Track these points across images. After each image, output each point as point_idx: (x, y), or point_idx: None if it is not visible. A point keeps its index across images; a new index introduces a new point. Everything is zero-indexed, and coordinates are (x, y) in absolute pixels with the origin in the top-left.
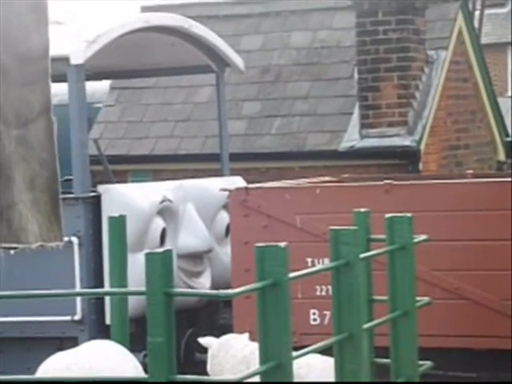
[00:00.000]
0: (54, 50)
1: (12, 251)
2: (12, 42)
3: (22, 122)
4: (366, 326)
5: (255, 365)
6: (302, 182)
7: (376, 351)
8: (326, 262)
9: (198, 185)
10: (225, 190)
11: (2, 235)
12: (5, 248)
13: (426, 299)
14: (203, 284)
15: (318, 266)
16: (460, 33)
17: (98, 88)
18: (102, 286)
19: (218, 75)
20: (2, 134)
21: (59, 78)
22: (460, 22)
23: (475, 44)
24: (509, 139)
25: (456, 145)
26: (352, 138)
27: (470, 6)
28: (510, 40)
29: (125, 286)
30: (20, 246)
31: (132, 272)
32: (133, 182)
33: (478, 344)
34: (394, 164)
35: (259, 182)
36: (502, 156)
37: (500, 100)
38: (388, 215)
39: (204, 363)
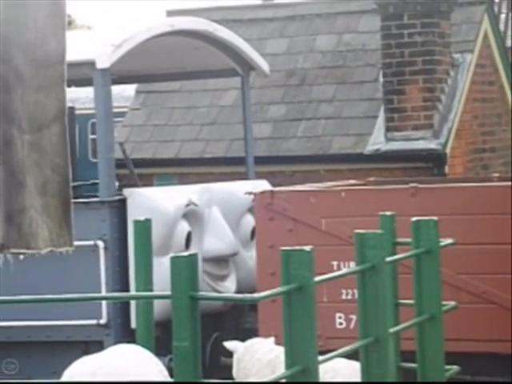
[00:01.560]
0: (80, 55)
1: (21, 256)
2: (28, 47)
3: (35, 127)
4: (392, 330)
5: (281, 369)
6: (328, 185)
7: (402, 355)
8: (352, 266)
9: (224, 188)
10: (250, 193)
11: (12, 240)
12: (14, 253)
13: (452, 303)
14: (228, 288)
15: (344, 270)
16: (486, 36)
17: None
18: (127, 289)
19: (243, 79)
20: (15, 140)
21: (85, 83)
22: (486, 24)
23: (501, 47)
24: None
25: (482, 148)
26: (377, 141)
27: (496, 9)
28: None
29: (150, 289)
30: (29, 251)
31: (157, 276)
32: (158, 185)
33: (505, 348)
34: (419, 167)
35: (284, 185)
36: None
37: None
38: (414, 219)
39: (229, 367)
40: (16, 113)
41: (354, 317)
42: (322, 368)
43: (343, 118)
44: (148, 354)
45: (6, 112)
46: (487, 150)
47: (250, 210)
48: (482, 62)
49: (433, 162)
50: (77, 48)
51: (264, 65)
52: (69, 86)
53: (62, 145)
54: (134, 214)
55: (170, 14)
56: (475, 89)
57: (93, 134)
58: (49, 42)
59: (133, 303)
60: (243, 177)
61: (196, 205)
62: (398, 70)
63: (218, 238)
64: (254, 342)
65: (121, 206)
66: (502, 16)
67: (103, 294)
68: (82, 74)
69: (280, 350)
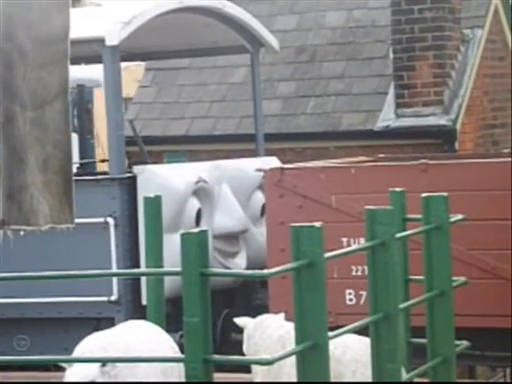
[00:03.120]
0: (90, 32)
1: (21, 233)
2: (32, 25)
3: (38, 103)
4: (402, 305)
5: (291, 345)
6: (338, 161)
7: (412, 331)
8: (362, 242)
9: (234, 165)
10: (260, 170)
11: (13, 217)
12: (14, 230)
13: (462, 279)
14: (239, 264)
15: (354, 246)
16: (496, 11)
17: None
18: (137, 266)
19: (253, 55)
20: (17, 117)
21: (94, 59)
22: (496, 0)
23: (511, 22)
24: None
25: (492, 124)
26: (387, 117)
27: None
28: None
29: (161, 266)
30: (29, 227)
31: (167, 253)
32: (168, 162)
33: None
34: (429, 143)
35: (294, 162)
36: None
37: None
38: (424, 195)
39: (240, 343)
40: (18, 90)
41: (363, 293)
42: (332, 344)
43: (353, 95)
44: (159, 330)
45: (9, 89)
46: (498, 125)
47: (260, 187)
48: (492, 38)
49: (443, 138)
50: (86, 25)
51: (274, 41)
52: (78, 62)
53: (65, 122)
54: (144, 191)
55: None
56: (485, 64)
57: None
58: (53, 19)
59: (143, 280)
60: (253, 154)
61: (206, 182)
62: (408, 46)
63: (228, 215)
64: (265, 318)
65: (131, 183)
66: None
67: (114, 270)
68: (92, 50)
69: (290, 326)
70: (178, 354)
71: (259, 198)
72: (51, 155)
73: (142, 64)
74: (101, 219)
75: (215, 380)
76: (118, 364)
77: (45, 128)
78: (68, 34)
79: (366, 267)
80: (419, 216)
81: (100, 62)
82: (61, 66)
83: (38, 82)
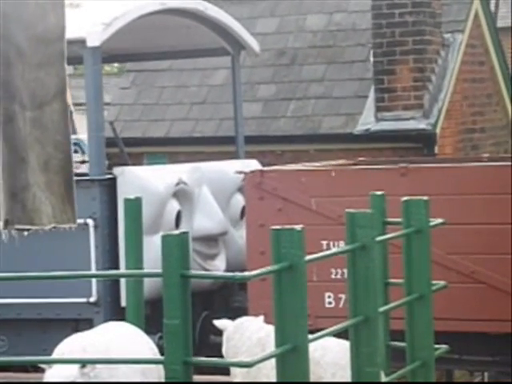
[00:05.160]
0: (71, 33)
1: (25, 233)
2: (28, 23)
3: (37, 103)
4: (381, 309)
5: (270, 347)
6: (318, 164)
7: (391, 335)
8: (342, 245)
9: (213, 167)
10: (240, 172)
11: (16, 216)
12: (18, 229)
13: (441, 283)
14: (218, 266)
15: (334, 249)
16: (476, 16)
17: None
18: (117, 268)
19: (234, 58)
20: (17, 116)
21: (76, 61)
22: (476, 5)
23: (491, 27)
24: None
25: (472, 128)
26: (367, 121)
27: None
28: None
29: (140, 268)
30: (33, 227)
31: (147, 254)
32: (148, 164)
33: (494, 328)
34: (409, 147)
35: (274, 164)
36: None
37: None
38: (404, 198)
39: (219, 346)
40: (17, 89)
41: (343, 296)
42: (311, 346)
43: (333, 98)
44: (138, 332)
45: (8, 88)
46: (477, 130)
47: (240, 190)
48: (472, 43)
49: (423, 142)
50: (67, 26)
51: (254, 44)
52: None
53: (64, 122)
54: (124, 193)
55: None
56: (465, 69)
57: None
58: (48, 18)
59: (123, 282)
60: (233, 156)
61: (186, 184)
62: (388, 49)
63: (207, 217)
64: (244, 321)
65: (111, 184)
66: None
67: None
68: (73, 52)
69: (270, 329)
70: (157, 356)
71: (239, 200)
72: (52, 156)
73: None
74: (80, 220)
75: (194, 381)
76: (98, 365)
77: (44, 128)
78: (64, 33)
79: (345, 270)
80: (399, 220)
81: (81, 63)
82: (58, 66)
83: (36, 82)
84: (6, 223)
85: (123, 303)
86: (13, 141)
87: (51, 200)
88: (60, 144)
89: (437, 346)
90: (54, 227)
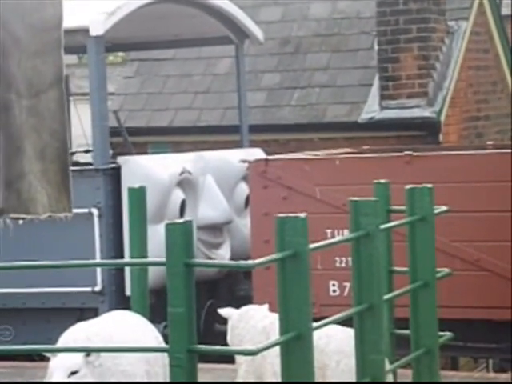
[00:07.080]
0: (74, 22)
1: (20, 221)
2: (25, 12)
3: (33, 92)
4: (386, 297)
5: (275, 335)
6: (322, 153)
7: (396, 322)
8: (346, 234)
9: (218, 156)
10: (244, 161)
11: (12, 205)
12: (13, 218)
13: (446, 270)
14: (223, 255)
15: (338, 237)
16: (481, 3)
17: None
18: (121, 257)
19: (238, 47)
20: (14, 104)
21: (79, 50)
22: None
23: (496, 15)
24: None
25: (476, 116)
26: (372, 109)
27: None
28: None
29: (145, 256)
30: (29, 216)
31: (151, 243)
32: (152, 153)
33: (498, 315)
34: (413, 135)
35: (279, 153)
36: None
37: None
38: (408, 186)
39: (224, 334)
40: (14, 78)
41: (347, 284)
42: (315, 334)
43: (338, 87)
44: (143, 321)
45: (4, 77)
46: (482, 118)
47: (244, 179)
48: (476, 30)
49: (427, 130)
50: (70, 15)
51: (258, 33)
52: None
53: (60, 110)
54: (128, 182)
55: None
56: (470, 57)
57: None
58: (45, 7)
59: (127, 270)
60: (237, 145)
61: (190, 173)
62: (392, 37)
63: (212, 206)
64: (249, 309)
65: (115, 173)
66: None
67: (98, 260)
68: (76, 41)
69: (274, 317)
70: (162, 344)
71: (243, 189)
72: (48, 144)
73: None
74: (85, 210)
75: (199, 370)
76: (102, 354)
77: (41, 117)
78: (61, 22)
79: (349, 259)
80: (403, 207)
81: (85, 52)
82: (54, 54)
83: (33, 70)
84: (1, 212)
85: (128, 292)
86: (9, 129)
87: (47, 189)
88: (56, 132)
89: (441, 333)
90: (50, 216)
